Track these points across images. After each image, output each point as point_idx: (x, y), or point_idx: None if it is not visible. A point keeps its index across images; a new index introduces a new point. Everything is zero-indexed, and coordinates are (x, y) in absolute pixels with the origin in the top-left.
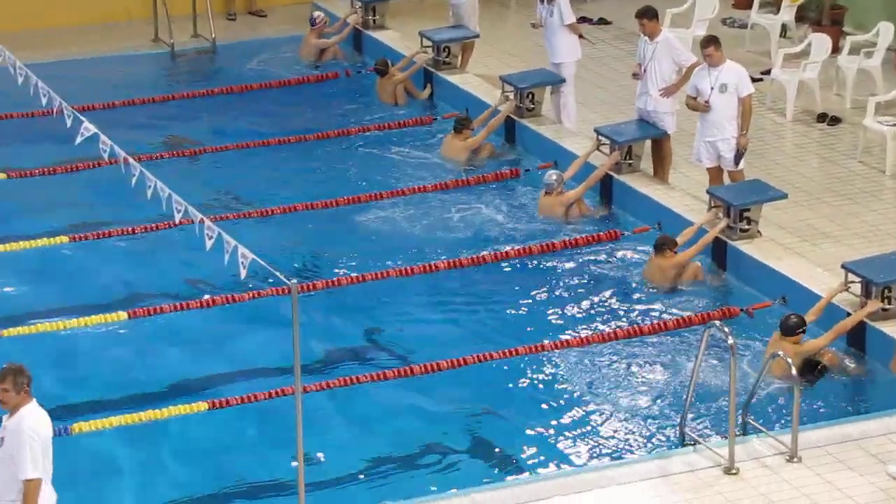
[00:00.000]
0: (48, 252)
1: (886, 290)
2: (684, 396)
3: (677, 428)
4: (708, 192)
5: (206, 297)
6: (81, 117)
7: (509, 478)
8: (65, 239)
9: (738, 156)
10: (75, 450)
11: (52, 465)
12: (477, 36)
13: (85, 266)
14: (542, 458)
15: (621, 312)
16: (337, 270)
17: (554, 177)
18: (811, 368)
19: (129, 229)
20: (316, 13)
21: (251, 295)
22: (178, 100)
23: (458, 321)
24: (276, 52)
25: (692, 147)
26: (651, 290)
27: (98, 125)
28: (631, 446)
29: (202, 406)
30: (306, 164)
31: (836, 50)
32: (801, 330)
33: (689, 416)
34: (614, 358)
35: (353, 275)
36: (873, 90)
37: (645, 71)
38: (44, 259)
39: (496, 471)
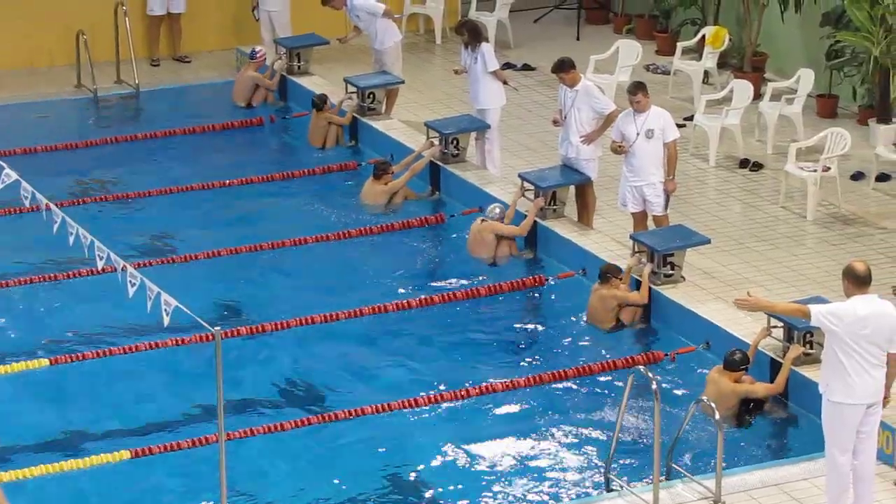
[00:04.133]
0: None
1: (808, 335)
2: (609, 441)
3: (602, 473)
4: (631, 237)
5: (130, 343)
6: (2, 163)
7: None
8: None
9: (667, 200)
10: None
11: None
12: (402, 82)
13: (6, 312)
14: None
15: (546, 357)
16: (261, 315)
17: (497, 210)
18: (747, 410)
19: (52, 276)
20: (258, 47)
21: (175, 341)
22: (101, 145)
23: (382, 366)
24: (200, 97)
25: (617, 192)
26: (576, 333)
27: (19, 171)
28: (556, 491)
29: (125, 455)
30: (230, 209)
31: (757, 96)
32: (743, 367)
33: (614, 461)
34: (537, 402)
35: (278, 321)
36: (794, 136)
37: (566, 118)
38: None
39: None
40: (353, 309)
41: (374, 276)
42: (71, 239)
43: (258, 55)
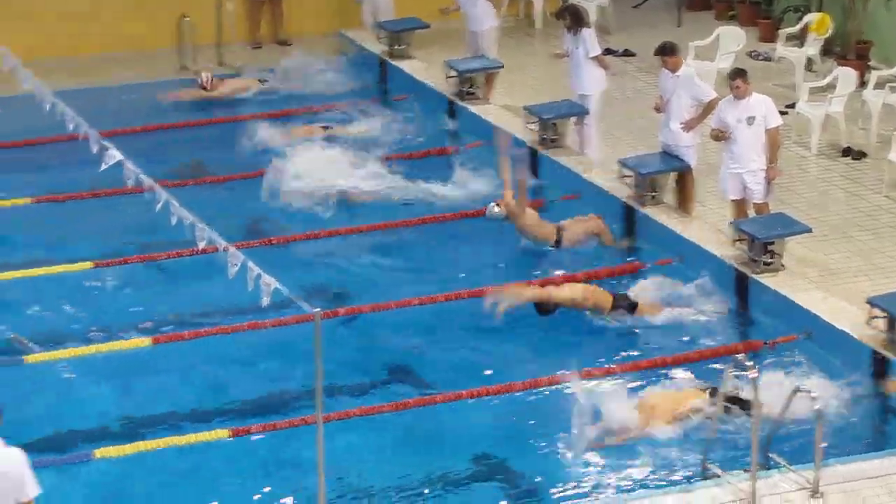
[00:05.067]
0: (71, 278)
1: None
2: (707, 429)
3: (700, 461)
4: (732, 224)
5: (230, 324)
6: (107, 144)
7: None
8: (89, 265)
9: (767, 188)
10: (99, 476)
11: None
12: (501, 66)
13: (108, 292)
14: (562, 489)
15: (642, 344)
16: (360, 298)
17: (496, 209)
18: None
19: (153, 255)
20: (203, 75)
21: (274, 322)
22: (203, 126)
23: (479, 350)
24: (302, 79)
25: (717, 180)
26: (673, 321)
27: (123, 152)
28: (652, 479)
29: (224, 434)
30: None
31: (861, 84)
32: None
33: (712, 449)
34: (635, 389)
35: (376, 303)
36: None
37: (667, 104)
38: (67, 285)
39: (516, 501)
40: (452, 292)
41: (470, 260)
42: (173, 220)
43: (203, 81)
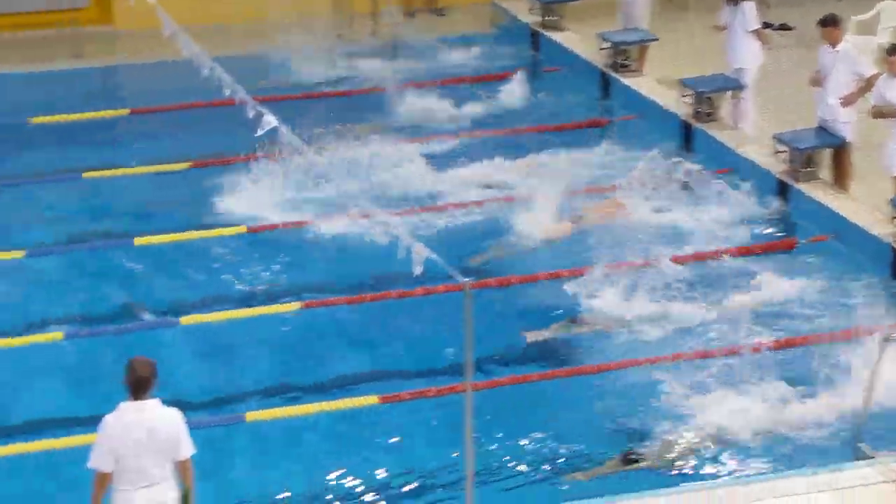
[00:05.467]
0: (226, 242)
1: None
2: (860, 407)
3: (852, 440)
4: (893, 201)
5: (380, 291)
6: (262, 109)
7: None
8: (243, 229)
9: None
10: (250, 438)
11: (135, 471)
12: (656, 39)
13: (261, 257)
14: (712, 466)
15: (795, 319)
16: (508, 268)
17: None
18: None
19: (305, 222)
20: None
21: (424, 291)
22: (356, 95)
23: (631, 322)
24: (452, 50)
25: (877, 157)
26: (827, 296)
27: (278, 117)
28: (803, 457)
29: (373, 399)
30: (478, 161)
31: None
32: None
33: (866, 428)
34: (783, 365)
35: (525, 274)
36: None
37: (825, 79)
38: (222, 249)
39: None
40: (606, 264)
41: (625, 233)
42: (328, 184)
43: None
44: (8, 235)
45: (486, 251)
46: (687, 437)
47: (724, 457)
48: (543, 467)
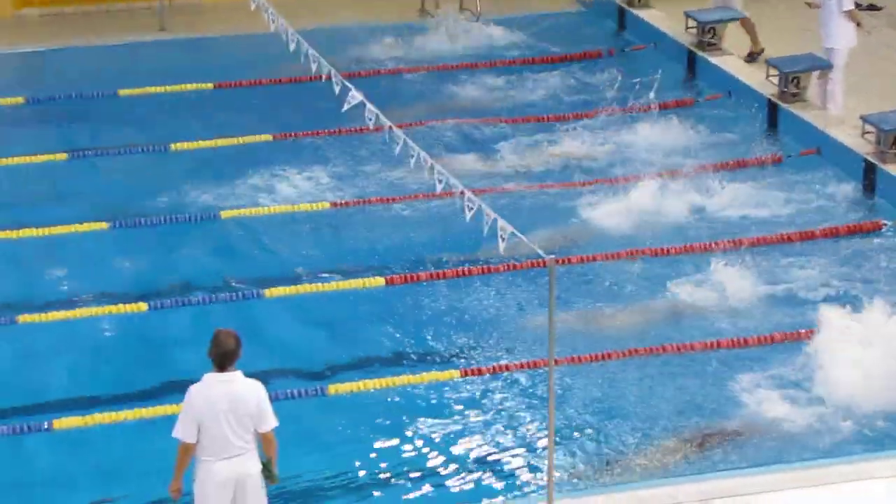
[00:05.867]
0: (313, 217)
1: None
2: None
3: None
4: None
5: (462, 267)
6: (349, 85)
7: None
8: (326, 205)
9: None
10: (331, 411)
11: (219, 442)
12: (744, 16)
13: (344, 232)
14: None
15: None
16: (590, 246)
17: None
18: None
19: (390, 198)
20: None
21: (507, 267)
22: (440, 70)
23: (708, 306)
24: (542, 28)
25: None
26: None
27: (363, 93)
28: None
29: (455, 374)
30: (562, 141)
31: None
32: None
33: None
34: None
35: (609, 251)
36: None
37: None
38: (310, 221)
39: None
40: (684, 245)
41: (714, 212)
42: (412, 161)
43: None
44: (95, 206)
45: (569, 229)
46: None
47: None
48: (615, 444)
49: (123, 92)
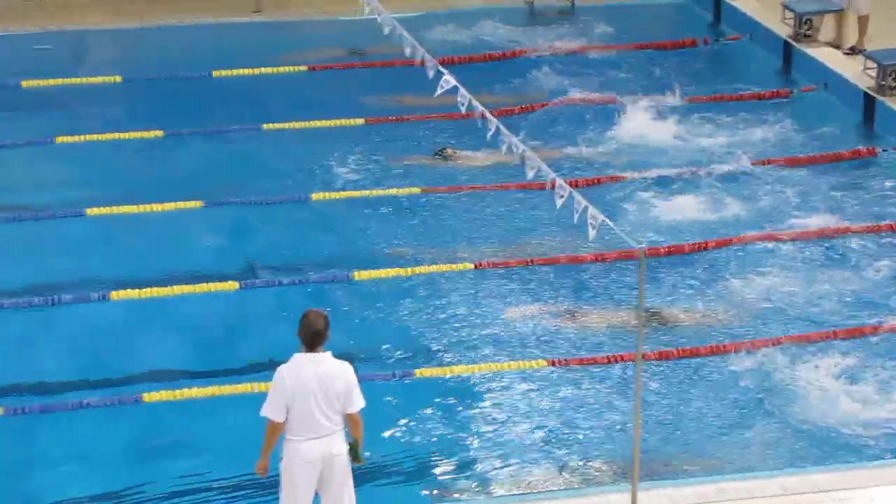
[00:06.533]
0: (401, 201)
1: None
2: None
3: None
4: None
5: (552, 255)
6: (441, 69)
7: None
8: (416, 190)
9: None
10: (420, 393)
11: (307, 422)
12: (841, 9)
13: (436, 218)
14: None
15: None
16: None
17: None
18: None
19: (482, 186)
20: None
21: (594, 257)
22: (531, 56)
23: (795, 296)
24: (637, 17)
25: None
26: None
27: (458, 78)
28: None
29: (542, 363)
30: (640, 128)
31: None
32: None
33: None
34: None
35: (697, 241)
36: None
37: None
38: (399, 205)
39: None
40: (781, 231)
41: (810, 203)
42: (503, 149)
43: None
44: (189, 185)
45: (656, 218)
46: None
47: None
48: (695, 437)
49: (218, 73)
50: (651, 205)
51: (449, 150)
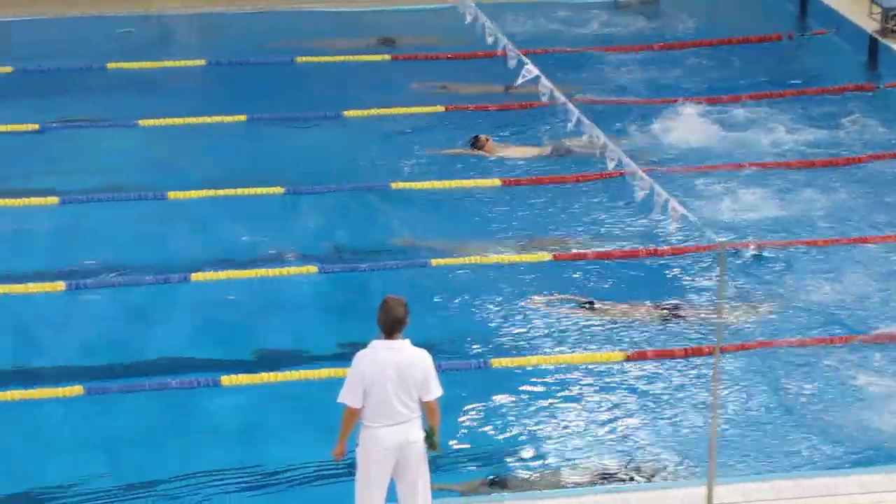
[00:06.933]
0: (479, 193)
1: None
2: None
3: None
4: None
5: (629, 248)
6: (524, 59)
7: None
8: (497, 182)
9: None
10: (493, 383)
11: (384, 408)
12: None
13: (515, 209)
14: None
15: None
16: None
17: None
18: None
19: (559, 177)
20: None
21: (672, 250)
22: (617, 52)
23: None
24: (721, 9)
25: None
26: None
27: (540, 68)
28: None
29: (618, 356)
30: (717, 122)
31: None
32: None
33: None
34: None
35: (781, 239)
36: None
37: None
38: (476, 197)
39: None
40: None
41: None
42: (585, 138)
43: None
44: (271, 170)
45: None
46: None
47: None
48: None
49: (301, 59)
50: (737, 199)
51: (483, 139)
